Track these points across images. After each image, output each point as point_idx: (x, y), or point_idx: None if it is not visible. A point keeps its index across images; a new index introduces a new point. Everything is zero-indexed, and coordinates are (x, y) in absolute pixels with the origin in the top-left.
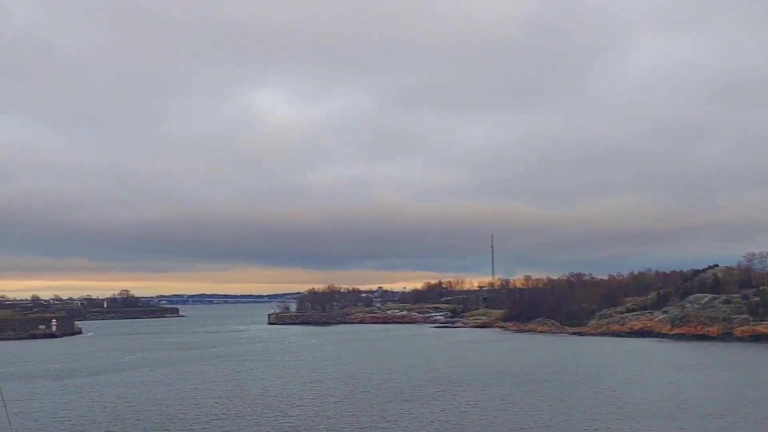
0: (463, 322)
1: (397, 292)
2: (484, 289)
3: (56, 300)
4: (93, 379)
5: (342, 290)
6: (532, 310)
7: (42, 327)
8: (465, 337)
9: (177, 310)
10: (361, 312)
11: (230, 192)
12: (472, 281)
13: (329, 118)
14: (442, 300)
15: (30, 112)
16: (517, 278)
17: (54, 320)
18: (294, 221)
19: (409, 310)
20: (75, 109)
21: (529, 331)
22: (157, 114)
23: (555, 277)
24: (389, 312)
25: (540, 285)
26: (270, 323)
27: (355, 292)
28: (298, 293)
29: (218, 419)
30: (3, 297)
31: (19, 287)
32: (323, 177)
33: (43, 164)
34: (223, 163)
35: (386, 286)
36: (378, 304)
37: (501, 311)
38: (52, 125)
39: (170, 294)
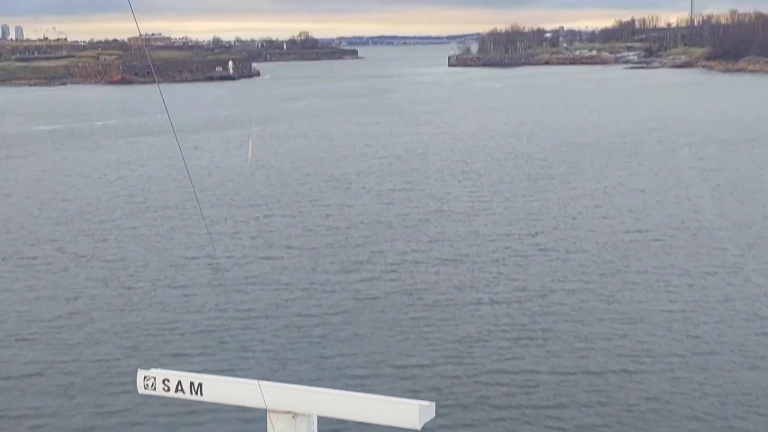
0: (660, 62)
1: (585, 32)
2: (682, 27)
3: (237, 41)
4: (257, 130)
5: (525, 30)
6: (740, 48)
7: (219, 69)
8: (666, 79)
9: (356, 52)
10: (546, 53)
11: None
12: (668, 17)
13: None
14: (635, 39)
15: None
16: (720, 13)
17: (231, 62)
18: None
19: (599, 50)
20: None
21: (737, 71)
22: None
23: (766, 12)
24: (577, 52)
25: (747, 21)
26: (450, 65)
27: (539, 32)
28: (478, 34)
29: (397, 174)
30: (186, 38)
31: (204, 29)
32: None
33: None
34: None
35: (568, 26)
36: (564, 45)
37: (703, 50)
38: None
39: (350, 35)
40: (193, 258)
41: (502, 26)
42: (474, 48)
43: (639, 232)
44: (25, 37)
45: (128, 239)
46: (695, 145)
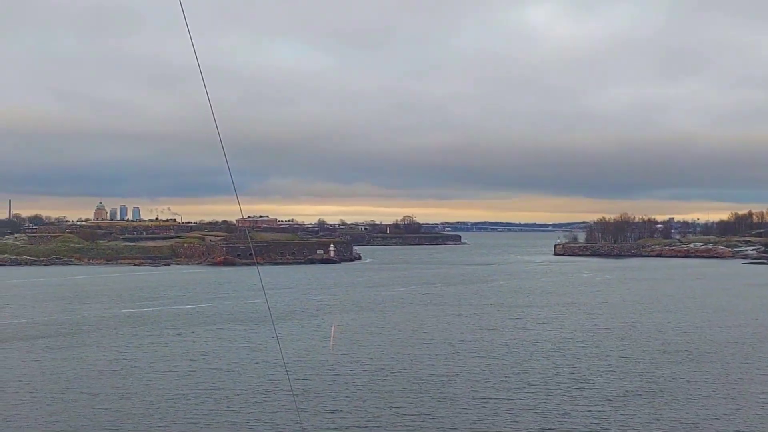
0: None
1: (699, 224)
2: None
3: (341, 225)
4: (348, 318)
5: (636, 220)
6: None
7: (320, 252)
8: None
9: (459, 237)
10: (659, 244)
11: (511, 117)
12: None
13: (613, 32)
14: (753, 233)
15: (303, 35)
16: None
17: (332, 246)
18: (577, 148)
19: (715, 243)
20: (347, 32)
21: None
22: (427, 34)
23: None
24: (691, 245)
25: None
26: (556, 254)
27: (651, 223)
28: (584, 223)
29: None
30: (293, 221)
31: (310, 212)
32: (608, 100)
33: (324, 89)
34: (501, 86)
35: (677, 218)
36: (677, 236)
37: None
38: (326, 48)
39: (454, 221)
40: None
41: (610, 216)
42: (581, 237)
43: None
44: (141, 217)
45: None
46: None
